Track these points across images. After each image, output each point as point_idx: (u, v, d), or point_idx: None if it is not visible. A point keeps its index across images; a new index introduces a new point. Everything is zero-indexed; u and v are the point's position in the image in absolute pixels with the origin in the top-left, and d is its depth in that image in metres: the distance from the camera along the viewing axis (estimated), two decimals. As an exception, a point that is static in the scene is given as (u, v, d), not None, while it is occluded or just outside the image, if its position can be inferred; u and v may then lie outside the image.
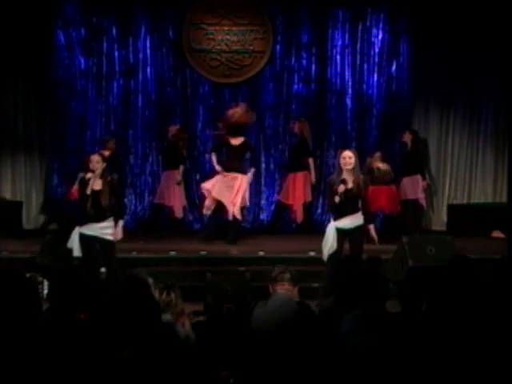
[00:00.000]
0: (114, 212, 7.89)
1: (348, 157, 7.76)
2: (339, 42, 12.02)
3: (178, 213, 11.25)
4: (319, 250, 8.07)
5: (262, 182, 11.95)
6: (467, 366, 4.16)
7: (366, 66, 12.04)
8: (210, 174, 10.92)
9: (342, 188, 7.67)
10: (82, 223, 7.84)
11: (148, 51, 11.95)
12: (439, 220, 12.21)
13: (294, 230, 11.69)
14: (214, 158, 10.59)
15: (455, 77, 11.97)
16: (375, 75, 12.06)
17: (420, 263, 8.24)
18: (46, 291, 7.37)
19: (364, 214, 7.85)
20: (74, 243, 7.81)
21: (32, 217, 11.96)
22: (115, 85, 11.99)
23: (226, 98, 12.02)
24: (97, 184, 7.76)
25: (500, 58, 11.17)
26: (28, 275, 6.90)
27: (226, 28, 11.87)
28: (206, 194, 10.50)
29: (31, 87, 11.85)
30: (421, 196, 11.27)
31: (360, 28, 11.99)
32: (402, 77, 12.04)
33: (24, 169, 11.96)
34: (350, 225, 7.80)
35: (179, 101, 12.01)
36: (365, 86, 12.06)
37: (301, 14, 11.93)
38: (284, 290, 5.28)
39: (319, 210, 11.94)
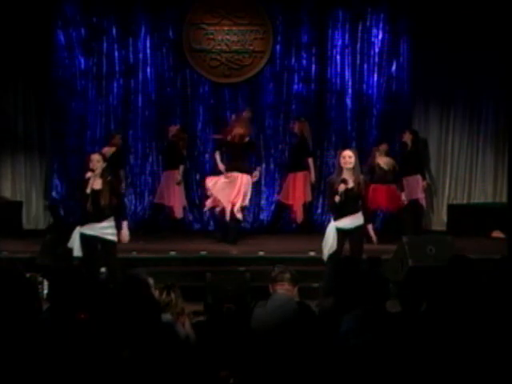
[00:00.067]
0: (115, 212, 7.88)
1: (348, 156, 7.76)
2: (339, 42, 12.02)
3: (178, 213, 11.25)
4: (319, 250, 8.07)
5: (262, 182, 11.94)
6: (467, 366, 4.16)
7: (365, 66, 12.05)
8: (211, 174, 10.91)
9: (342, 187, 7.66)
10: (82, 223, 7.84)
11: (148, 51, 11.95)
12: (439, 220, 12.21)
13: (294, 230, 11.69)
14: (217, 157, 10.48)
15: (455, 77, 11.97)
16: (375, 75, 12.06)
17: (420, 263, 8.24)
18: (46, 291, 7.37)
19: (363, 213, 7.85)
20: (75, 243, 7.80)
21: (32, 217, 11.96)
22: (115, 85, 12.00)
23: (226, 98, 12.04)
24: (97, 183, 7.75)
25: (500, 57, 11.17)
26: (28, 275, 6.90)
27: (225, 28, 11.87)
28: (207, 192, 10.47)
29: (31, 87, 11.85)
30: (421, 196, 11.27)
31: (360, 28, 12.00)
32: (402, 77, 12.04)
33: (24, 169, 11.95)
34: (350, 225, 7.79)
35: (179, 101, 12.01)
36: (365, 86, 12.07)
37: (301, 14, 11.94)
38: (284, 290, 5.28)
39: (319, 210, 11.94)
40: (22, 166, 11.94)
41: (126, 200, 11.33)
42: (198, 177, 11.90)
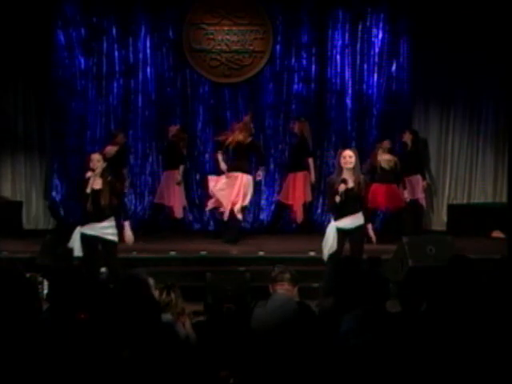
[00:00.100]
0: (115, 212, 7.88)
1: (348, 156, 7.76)
2: (339, 42, 12.02)
3: (178, 213, 11.25)
4: (319, 250, 8.07)
5: (262, 182, 11.94)
6: (467, 366, 4.16)
7: (365, 66, 12.04)
8: (211, 173, 10.91)
9: (342, 187, 7.66)
10: (82, 223, 7.84)
11: (148, 51, 11.95)
12: (439, 220, 12.21)
13: (294, 229, 11.69)
14: (220, 157, 10.49)
15: (455, 77, 11.97)
16: (375, 75, 12.06)
17: (420, 263, 8.24)
18: (46, 291, 7.36)
19: (363, 213, 7.85)
20: (75, 243, 7.80)
21: (32, 217, 11.97)
22: (115, 85, 11.99)
23: (226, 98, 12.04)
24: (97, 183, 7.75)
25: (500, 58, 11.16)
26: (28, 275, 6.88)
27: (225, 28, 11.87)
28: (209, 191, 10.46)
29: (31, 87, 11.85)
30: (421, 196, 11.28)
31: (360, 28, 11.99)
32: (402, 77, 12.04)
33: (24, 169, 11.96)
34: (350, 225, 7.79)
35: (179, 101, 12.01)
36: (365, 86, 12.07)
37: (301, 14, 11.93)
38: (284, 290, 5.29)
39: (319, 210, 11.94)
40: (22, 166, 11.94)
41: (126, 200, 11.35)
42: (197, 177, 11.91)
